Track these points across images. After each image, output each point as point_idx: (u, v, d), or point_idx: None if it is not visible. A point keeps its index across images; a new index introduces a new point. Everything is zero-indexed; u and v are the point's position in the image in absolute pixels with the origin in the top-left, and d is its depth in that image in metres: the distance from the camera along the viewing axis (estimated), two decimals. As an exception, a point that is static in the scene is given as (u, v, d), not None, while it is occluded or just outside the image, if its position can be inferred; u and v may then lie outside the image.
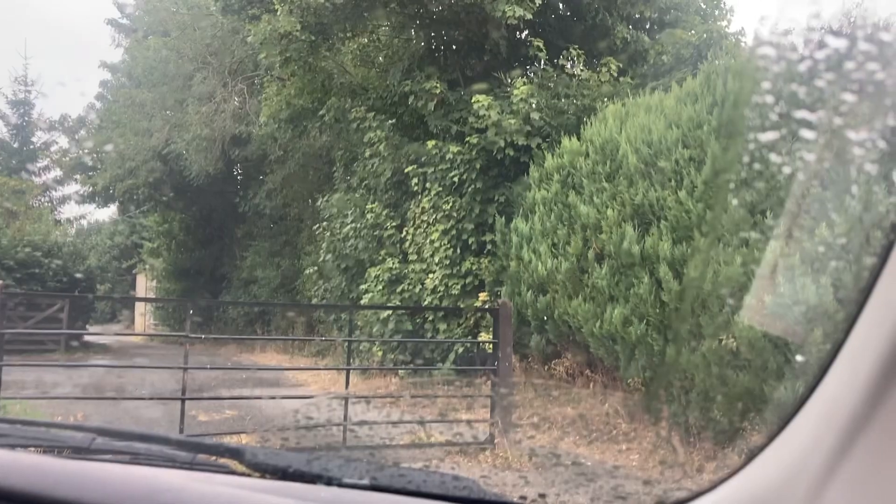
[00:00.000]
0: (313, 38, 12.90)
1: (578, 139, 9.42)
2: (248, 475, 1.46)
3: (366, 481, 1.44)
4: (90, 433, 1.60)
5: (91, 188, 28.28)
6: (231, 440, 7.34)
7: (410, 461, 7.10)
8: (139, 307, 34.32)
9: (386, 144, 12.47)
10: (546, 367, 9.55)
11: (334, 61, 14.27)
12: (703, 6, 13.37)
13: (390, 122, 12.54)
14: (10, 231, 21.05)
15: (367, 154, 13.08)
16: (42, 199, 33.36)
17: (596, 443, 8.16)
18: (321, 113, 13.99)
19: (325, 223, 15.01)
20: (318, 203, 16.52)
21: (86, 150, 29.07)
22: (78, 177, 31.80)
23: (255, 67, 20.25)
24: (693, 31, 12.39)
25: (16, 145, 35.08)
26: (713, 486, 1.27)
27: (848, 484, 1.03)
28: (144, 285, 36.40)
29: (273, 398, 8.46)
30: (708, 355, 6.76)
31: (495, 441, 7.48)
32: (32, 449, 1.49)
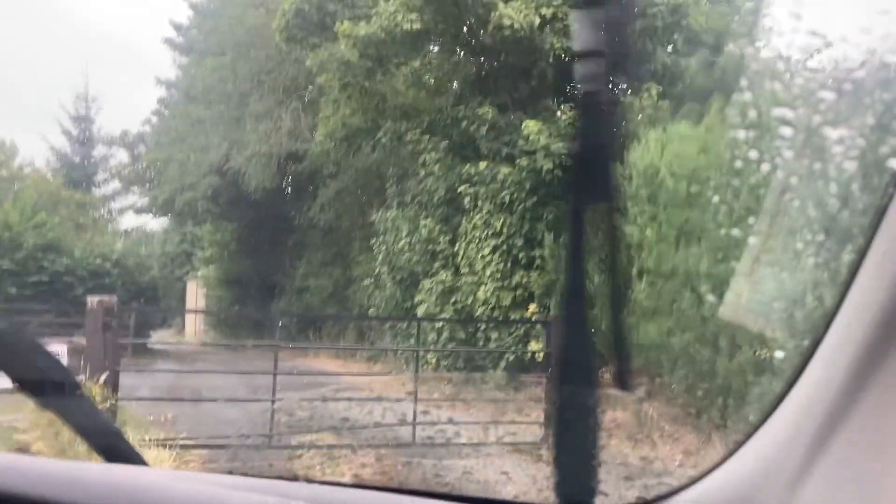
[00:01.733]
0: (370, 64, 13.84)
1: (622, 163, 10.16)
2: (233, 472, 1.52)
3: (348, 478, 1.67)
4: None
5: (150, 200, 29.74)
6: (311, 437, 8.22)
7: (472, 458, 7.93)
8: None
9: (440, 165, 13.35)
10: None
11: (388, 85, 15.20)
12: (738, 28, 14.01)
13: (444, 143, 13.41)
14: (81, 243, 22.39)
15: (422, 173, 13.98)
16: (102, 211, 35.00)
17: (641, 444, 8.91)
18: (378, 136, 14.92)
19: (380, 237, 15.93)
20: (373, 218, 17.46)
21: (145, 164, 30.52)
22: (136, 189, 33.44)
23: (309, 85, 21.27)
24: (727, 52, 13.05)
25: (77, 159, 36.79)
26: (693, 482, 1.28)
27: (826, 477, 1.05)
28: (195, 293, 37.67)
29: (350, 399, 9.32)
30: (744, 365, 7.47)
31: (547, 441, 8.25)
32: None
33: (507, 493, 6.48)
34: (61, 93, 51.39)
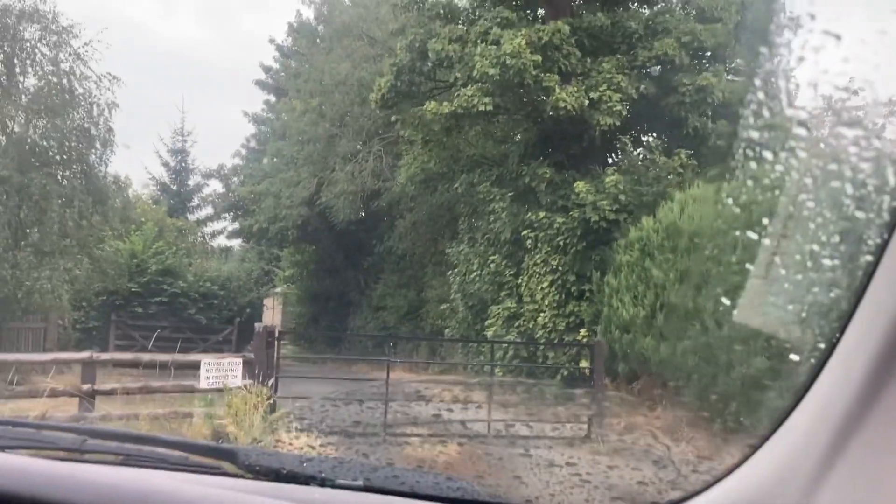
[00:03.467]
0: (448, 124, 16.70)
1: (654, 217, 12.82)
2: (242, 476, 1.49)
3: (359, 482, 1.48)
4: (81, 434, 1.62)
5: (244, 227, 33.27)
6: (413, 429, 11.02)
7: (532, 447, 10.62)
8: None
9: (506, 212, 16.18)
10: (629, 387, 12.92)
11: (463, 139, 18.05)
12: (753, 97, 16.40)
13: (510, 194, 16.23)
14: (192, 269, 25.94)
15: (491, 217, 16.83)
16: (198, 235, 38.80)
17: (667, 441, 11.48)
18: (455, 186, 17.82)
19: (455, 268, 18.83)
20: (445, 248, 20.37)
21: (239, 195, 34.14)
22: (228, 215, 37.11)
23: (391, 132, 24.29)
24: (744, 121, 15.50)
25: (175, 188, 40.75)
26: (707, 486, 1.28)
27: (842, 482, 1.04)
28: (272, 309, 41.00)
29: (442, 401, 12.15)
30: (753, 374, 10.01)
31: (591, 437, 10.93)
32: (23, 451, 1.46)
33: (551, 471, 9.19)
34: (160, 126, 55.91)
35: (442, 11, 15.88)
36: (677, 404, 11.79)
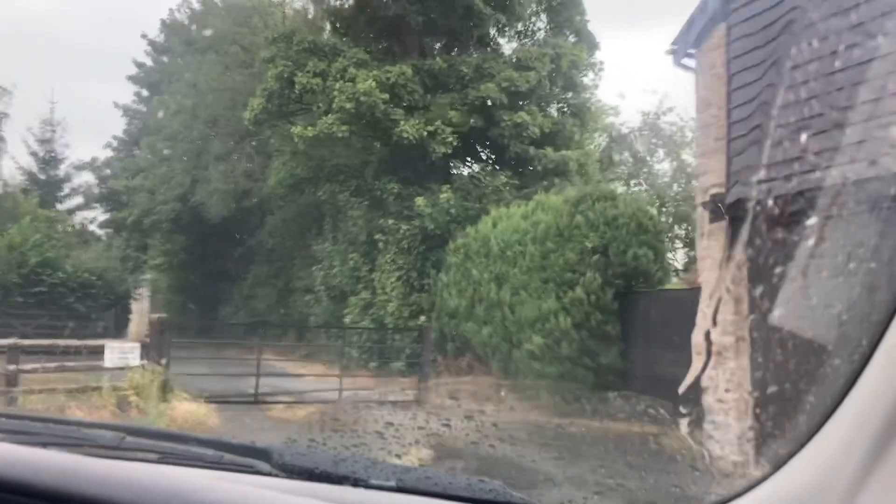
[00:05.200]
0: (312, 143, 19.47)
1: (475, 228, 16.19)
2: (275, 475, 1.51)
3: (392, 483, 1.48)
4: (120, 432, 1.67)
5: (117, 219, 34.58)
6: (279, 397, 13.89)
7: (373, 409, 13.76)
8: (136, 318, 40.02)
9: (363, 218, 19.22)
10: (455, 362, 16.30)
11: (328, 151, 20.84)
12: (575, 130, 20.17)
13: (365, 203, 19.28)
14: (70, 259, 27.39)
15: (350, 222, 19.83)
16: (67, 227, 39.39)
17: (479, 402, 14.92)
18: (319, 193, 20.67)
19: (320, 264, 21.71)
20: (311, 244, 23.19)
21: (112, 187, 35.34)
22: (99, 206, 38.12)
23: (262, 133, 26.47)
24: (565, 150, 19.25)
25: (44, 177, 41.03)
26: (742, 492, 1.26)
27: (882, 490, 1.02)
28: (142, 298, 41.93)
29: (302, 376, 15.07)
30: (533, 351, 13.43)
31: (420, 400, 14.19)
32: (63, 447, 1.47)
33: (386, 418, 12.39)
34: (27, 116, 54.31)
35: (307, 46, 18.63)
36: (488, 374, 15.27)
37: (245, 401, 13.68)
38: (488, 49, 20.10)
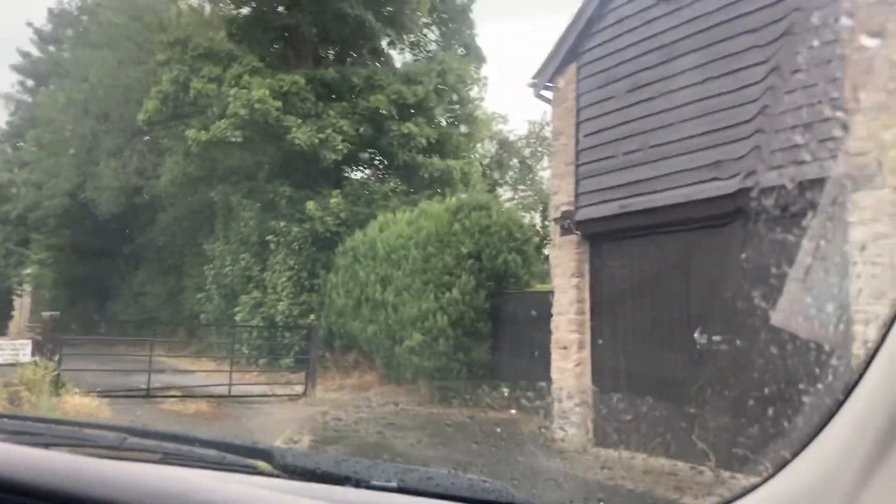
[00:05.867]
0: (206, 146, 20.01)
1: (363, 232, 17.22)
2: (277, 476, 1.51)
3: (394, 483, 1.49)
4: (122, 433, 1.67)
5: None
6: (170, 391, 14.51)
7: (261, 404, 14.59)
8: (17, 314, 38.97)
9: (255, 220, 19.91)
10: (342, 358, 17.30)
11: (221, 153, 21.37)
12: (462, 140, 21.51)
13: (258, 205, 19.98)
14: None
15: (242, 223, 20.47)
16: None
17: (363, 395, 15.97)
18: (212, 195, 21.19)
19: (212, 263, 22.21)
20: (203, 243, 23.62)
21: (-5, 180, 34.31)
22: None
23: (155, 131, 26.58)
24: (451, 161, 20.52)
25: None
26: (743, 493, 1.26)
27: (884, 491, 1.02)
28: (24, 294, 40.78)
29: (193, 372, 15.69)
30: (413, 347, 14.55)
31: (307, 394, 15.12)
32: (65, 448, 1.48)
33: (274, 411, 13.30)
34: None
35: (203, 52, 19.18)
36: (372, 369, 16.37)
37: (137, 395, 14.25)
38: (380, 61, 21.17)
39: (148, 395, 14.29)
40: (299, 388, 15.42)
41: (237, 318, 20.00)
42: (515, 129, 46.84)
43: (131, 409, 13.31)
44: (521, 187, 33.72)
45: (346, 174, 19.37)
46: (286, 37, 19.96)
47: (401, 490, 1.48)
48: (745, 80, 8.05)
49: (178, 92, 19.26)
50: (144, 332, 29.59)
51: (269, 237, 19.47)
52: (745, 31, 8.10)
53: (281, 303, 19.18)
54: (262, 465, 1.56)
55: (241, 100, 17.36)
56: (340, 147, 17.93)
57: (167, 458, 1.56)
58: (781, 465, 1.21)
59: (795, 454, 1.19)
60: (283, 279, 19.18)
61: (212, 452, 1.61)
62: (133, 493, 1.12)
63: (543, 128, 29.40)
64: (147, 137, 27.82)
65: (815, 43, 7.52)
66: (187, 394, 14.61)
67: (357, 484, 1.49)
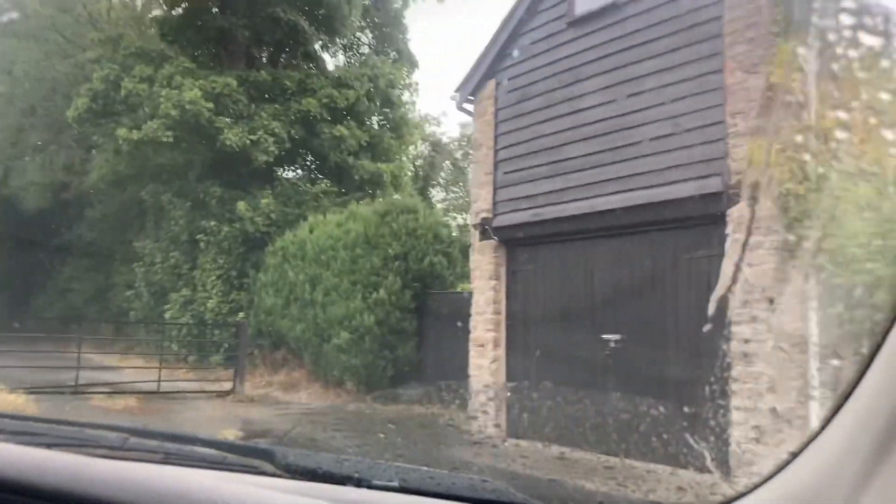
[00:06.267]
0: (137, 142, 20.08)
1: (293, 232, 17.61)
2: (279, 476, 1.51)
3: (395, 483, 1.49)
4: (123, 433, 1.68)
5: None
6: (98, 387, 14.67)
7: (190, 399, 14.88)
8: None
9: (185, 219, 20.07)
10: (271, 355, 17.67)
11: (151, 150, 21.41)
12: (393, 143, 22.05)
13: (188, 204, 20.15)
14: None
15: (172, 222, 20.59)
16: None
17: (291, 392, 16.39)
18: (142, 193, 21.24)
19: (141, 260, 22.24)
20: (132, 240, 23.60)
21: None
22: None
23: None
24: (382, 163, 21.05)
25: None
26: (747, 491, 1.26)
27: (885, 490, 1.03)
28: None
29: (121, 368, 15.86)
30: (341, 345, 15.04)
31: (236, 391, 15.47)
32: (67, 448, 1.48)
33: (203, 407, 13.64)
34: None
35: (135, 51, 19.26)
36: (300, 366, 16.80)
37: (65, 391, 14.38)
38: (313, 64, 21.54)
39: (76, 391, 14.43)
40: (228, 385, 15.75)
41: (167, 315, 20.13)
42: (448, 131, 47.60)
43: (59, 406, 13.44)
44: (454, 189, 34.51)
45: (278, 175, 19.70)
46: (219, 38, 20.16)
47: (402, 490, 1.49)
48: (643, 103, 8.87)
49: (108, 90, 19.29)
50: (71, 328, 29.42)
51: (199, 236, 19.66)
52: (643, 59, 8.91)
53: (211, 301, 19.41)
54: (263, 464, 1.58)
55: (172, 100, 17.54)
56: (272, 149, 18.28)
57: (169, 459, 1.57)
58: (782, 465, 1.22)
59: (796, 454, 1.20)
60: (213, 277, 19.41)
61: (213, 452, 1.63)
62: (135, 494, 1.13)
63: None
64: (75, 133, 27.50)
65: (702, 72, 8.38)
66: (116, 390, 14.82)
67: (359, 483, 1.50)
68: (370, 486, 1.49)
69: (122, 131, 18.31)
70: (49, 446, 1.47)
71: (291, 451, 1.64)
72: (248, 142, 18.05)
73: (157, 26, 20.14)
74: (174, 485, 1.18)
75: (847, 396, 1.13)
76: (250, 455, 1.64)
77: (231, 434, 10.65)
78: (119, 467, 1.27)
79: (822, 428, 1.17)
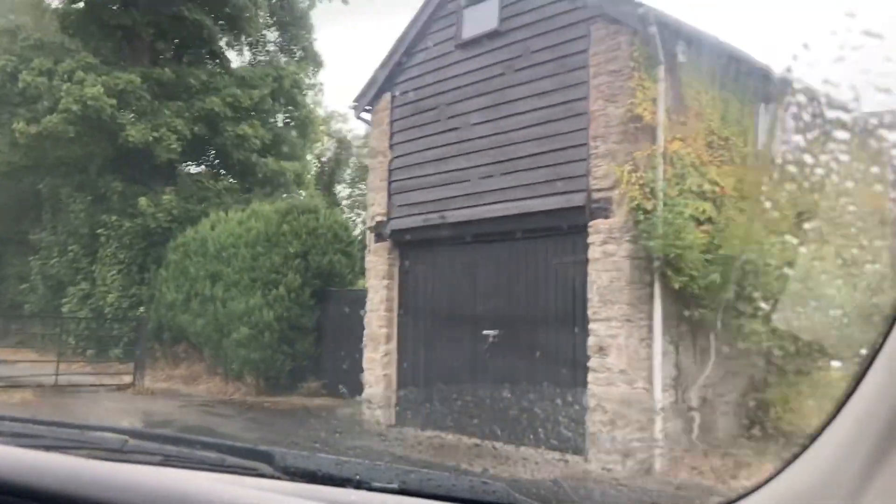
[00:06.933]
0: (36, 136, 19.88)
1: (195, 229, 17.94)
2: (278, 478, 1.51)
3: (395, 485, 1.48)
4: (123, 435, 1.67)
5: None
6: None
7: (88, 392, 15.08)
8: None
9: (85, 213, 20.04)
10: (172, 350, 17.96)
11: (50, 143, 21.17)
12: (297, 142, 22.54)
13: (89, 198, 20.12)
14: None
15: (72, 216, 20.51)
16: None
17: (192, 385, 16.76)
18: (39, 186, 21.00)
19: (38, 253, 22.00)
20: (30, 236, 23.25)
21: None
22: None
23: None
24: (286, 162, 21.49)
25: None
26: (745, 494, 1.26)
27: (885, 492, 1.03)
28: None
29: (18, 362, 15.87)
30: (240, 340, 15.51)
31: (136, 384, 15.76)
32: (67, 451, 1.48)
33: (101, 400, 13.92)
34: None
35: (34, 43, 19.09)
36: (201, 360, 17.19)
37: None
38: (217, 62, 21.79)
39: (-31, 384, 14.44)
40: (128, 379, 16.01)
41: (64, 309, 20.06)
42: (355, 128, 48.03)
43: (-49, 400, 13.50)
44: (360, 185, 35.10)
45: (180, 171, 19.92)
46: (122, 34, 20.18)
47: (402, 492, 1.49)
48: (518, 123, 9.88)
49: (5, 82, 19.06)
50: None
51: (99, 230, 19.69)
52: (519, 83, 9.92)
53: (110, 295, 19.48)
54: (263, 467, 1.58)
55: (73, 95, 17.55)
56: (175, 146, 18.51)
57: (168, 461, 1.57)
58: (783, 466, 1.22)
59: (797, 455, 1.20)
60: (114, 272, 19.49)
61: (213, 455, 1.63)
62: (134, 496, 1.14)
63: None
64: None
65: (569, 99, 9.45)
66: (10, 384, 14.87)
67: (358, 485, 1.50)
68: (370, 488, 1.50)
69: (19, 125, 18.17)
70: (48, 448, 1.49)
71: (291, 454, 1.65)
72: (150, 138, 18.23)
73: (59, 19, 19.98)
74: (173, 487, 1.20)
75: (847, 397, 1.13)
76: (249, 457, 1.66)
77: (138, 426, 11.07)
78: (118, 469, 1.28)
79: (823, 429, 1.17)
